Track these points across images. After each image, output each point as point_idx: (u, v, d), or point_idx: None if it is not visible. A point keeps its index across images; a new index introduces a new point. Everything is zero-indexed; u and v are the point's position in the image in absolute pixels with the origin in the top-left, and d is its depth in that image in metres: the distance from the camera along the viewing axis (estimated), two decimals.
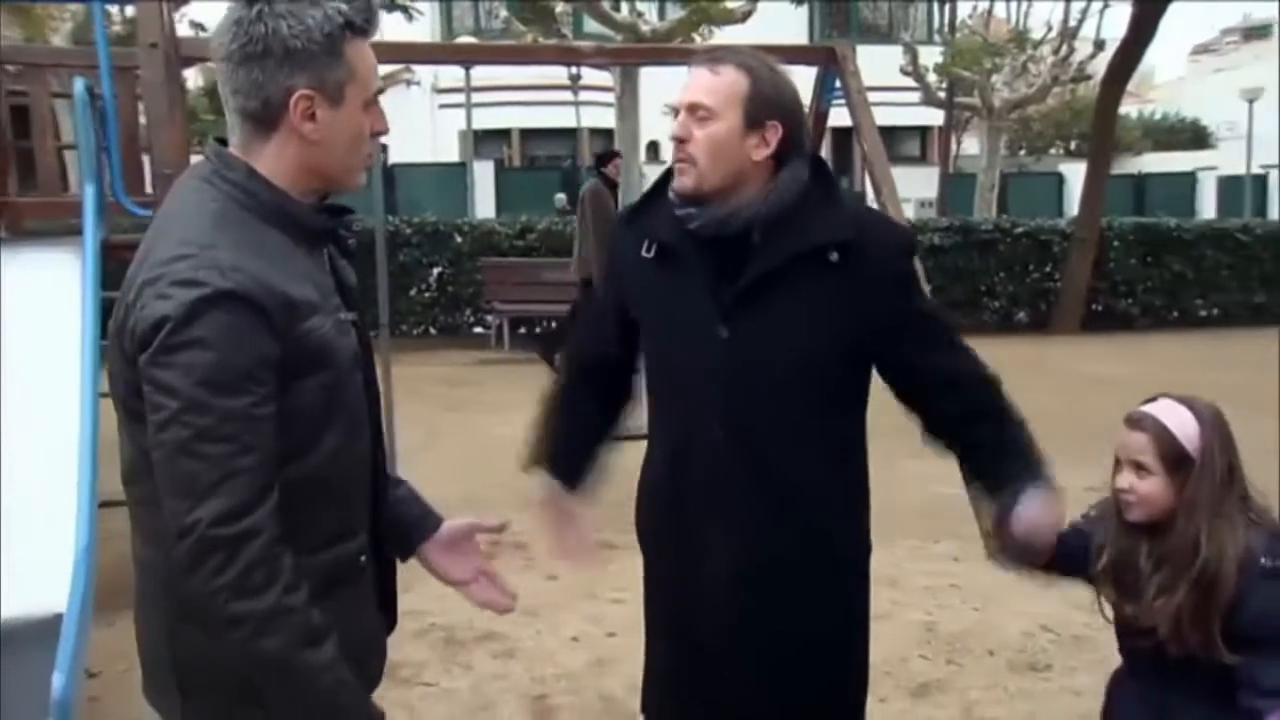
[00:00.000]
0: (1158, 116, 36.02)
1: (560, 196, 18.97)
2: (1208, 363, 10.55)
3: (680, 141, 2.15)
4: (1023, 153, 32.21)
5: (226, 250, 1.55)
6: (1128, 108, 33.53)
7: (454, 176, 20.27)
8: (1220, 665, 2.08)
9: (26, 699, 2.89)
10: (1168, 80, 42.89)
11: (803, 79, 6.61)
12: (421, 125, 23.70)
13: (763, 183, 2.16)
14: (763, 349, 2.15)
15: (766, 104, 2.13)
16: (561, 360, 2.61)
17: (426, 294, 13.21)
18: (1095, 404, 8.54)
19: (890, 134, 27.29)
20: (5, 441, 3.62)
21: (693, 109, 2.14)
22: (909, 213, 18.77)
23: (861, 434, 2.33)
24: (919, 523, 5.68)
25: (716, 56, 2.18)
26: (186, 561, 1.52)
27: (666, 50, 8.79)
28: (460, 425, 8.54)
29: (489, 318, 13.02)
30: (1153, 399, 2.20)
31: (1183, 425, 2.14)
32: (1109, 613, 2.28)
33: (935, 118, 23.89)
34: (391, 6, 14.48)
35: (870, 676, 4.06)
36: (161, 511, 1.58)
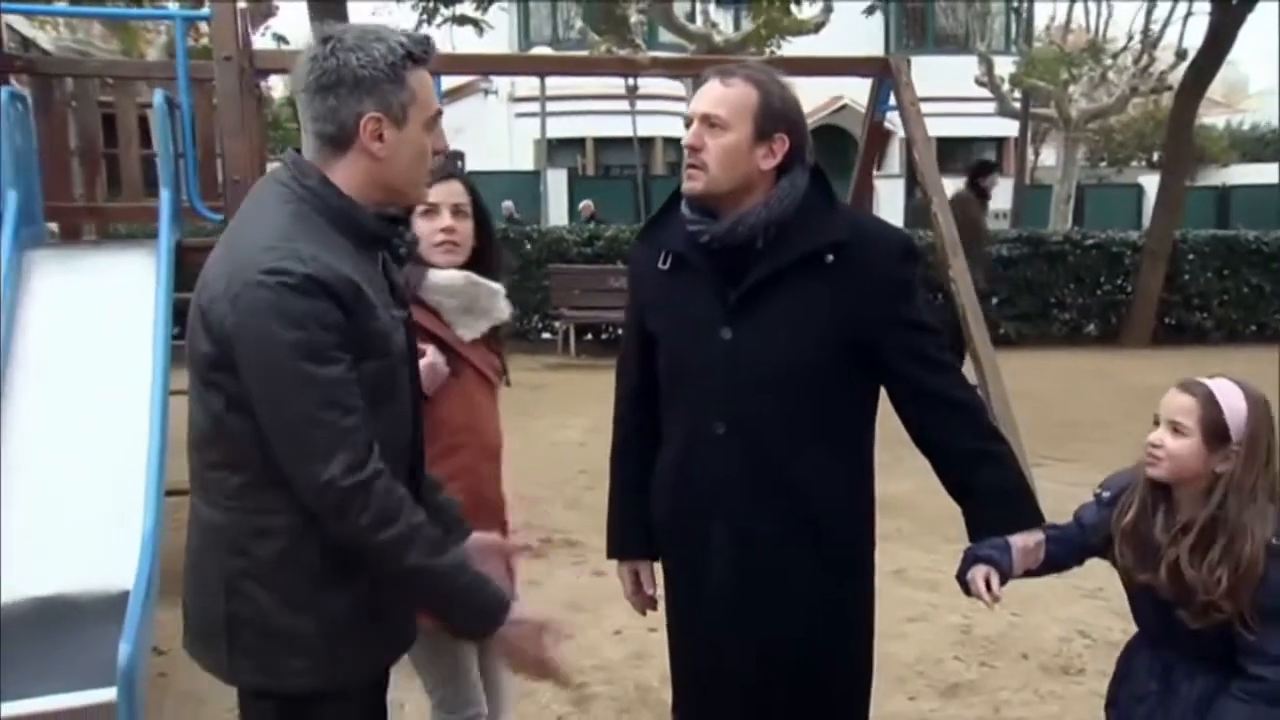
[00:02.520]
0: (1246, 127, 35.16)
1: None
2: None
3: (693, 150, 2.26)
4: (1104, 164, 31.66)
5: (304, 243, 1.77)
6: (1215, 118, 32.79)
7: (528, 184, 20.56)
8: (1225, 633, 2.18)
9: (95, 668, 3.09)
10: (1261, 90, 41.80)
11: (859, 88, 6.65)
12: (498, 133, 24.07)
13: (766, 190, 2.27)
14: (762, 349, 2.24)
15: (775, 117, 2.25)
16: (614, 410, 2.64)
17: None
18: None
19: (966, 145, 27.06)
20: (82, 431, 3.87)
21: (705, 119, 2.25)
22: None
23: (867, 434, 2.38)
24: (963, 528, 5.72)
25: (728, 70, 2.30)
26: (333, 512, 1.77)
27: (723, 62, 8.90)
28: (521, 429, 8.69)
29: (556, 324, 13.22)
30: (1211, 376, 2.28)
31: (1231, 402, 2.22)
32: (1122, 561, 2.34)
33: (1012, 129, 23.62)
34: (462, 21, 14.76)
35: (901, 675, 4.15)
36: (229, 475, 1.83)
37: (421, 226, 2.67)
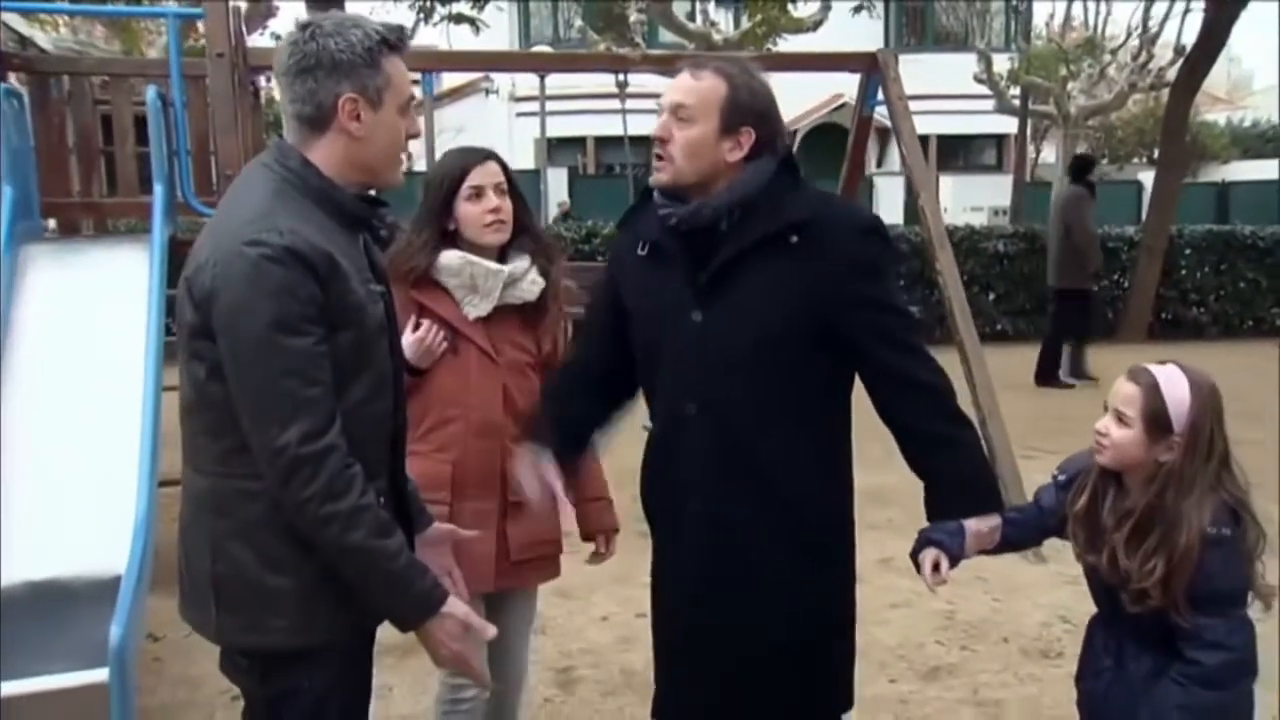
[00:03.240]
0: (1247, 123, 35.08)
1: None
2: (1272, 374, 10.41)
3: (661, 141, 2.31)
4: (1104, 161, 31.60)
5: (283, 217, 1.87)
6: (1218, 114, 32.65)
7: (528, 183, 20.55)
8: (1164, 618, 2.22)
9: (89, 649, 3.15)
10: (1266, 86, 41.66)
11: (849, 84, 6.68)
12: (499, 133, 24.06)
13: (733, 180, 2.31)
14: (731, 330, 2.28)
15: (741, 110, 2.29)
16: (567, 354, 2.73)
17: None
18: None
19: (966, 142, 27.06)
20: (77, 421, 3.94)
21: (674, 110, 2.29)
22: (982, 220, 18.66)
23: (839, 417, 2.40)
24: None
25: (699, 62, 2.35)
26: (281, 477, 1.83)
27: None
28: None
29: None
30: (1162, 363, 2.28)
31: (1175, 392, 2.21)
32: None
33: (1012, 126, 23.56)
34: (459, 19, 14.81)
35: (883, 659, 4.20)
36: (211, 442, 1.91)
37: (470, 209, 2.77)
